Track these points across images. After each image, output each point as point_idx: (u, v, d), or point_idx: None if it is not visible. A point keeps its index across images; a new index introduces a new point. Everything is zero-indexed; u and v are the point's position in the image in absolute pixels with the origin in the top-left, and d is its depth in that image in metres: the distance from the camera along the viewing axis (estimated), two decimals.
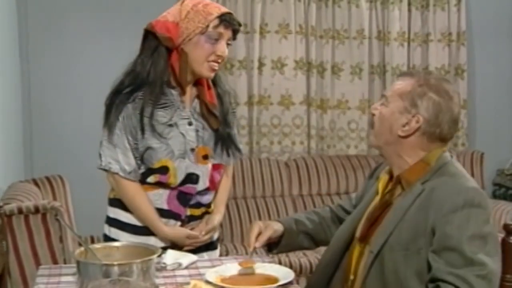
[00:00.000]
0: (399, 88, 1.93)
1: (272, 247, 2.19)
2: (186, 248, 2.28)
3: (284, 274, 1.93)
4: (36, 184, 3.80)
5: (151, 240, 2.25)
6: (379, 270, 1.85)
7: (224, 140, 2.33)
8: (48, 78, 4.48)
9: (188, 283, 1.82)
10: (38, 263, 2.94)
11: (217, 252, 2.44)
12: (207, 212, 2.35)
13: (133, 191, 2.25)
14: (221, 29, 2.19)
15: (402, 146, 1.92)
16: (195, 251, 2.29)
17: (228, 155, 2.34)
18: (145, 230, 2.27)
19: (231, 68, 4.65)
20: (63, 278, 2.00)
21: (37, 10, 4.45)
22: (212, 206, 2.37)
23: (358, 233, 1.99)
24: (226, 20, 2.19)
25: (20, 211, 3.04)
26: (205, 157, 2.29)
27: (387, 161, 2.01)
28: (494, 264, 1.74)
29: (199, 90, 2.29)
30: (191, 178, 2.26)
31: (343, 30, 4.83)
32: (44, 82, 4.48)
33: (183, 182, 2.26)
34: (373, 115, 1.98)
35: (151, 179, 2.25)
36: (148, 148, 2.21)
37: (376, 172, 2.15)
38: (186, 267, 2.09)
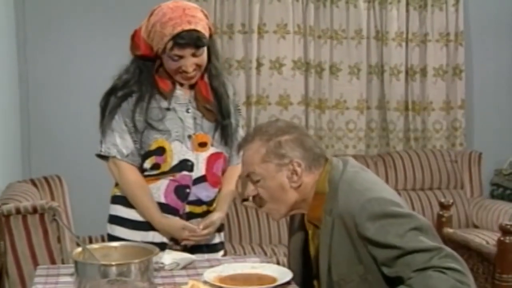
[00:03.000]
0: (252, 157, 1.89)
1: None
2: (184, 243, 2.28)
3: (282, 274, 1.93)
4: (34, 184, 3.80)
5: (150, 235, 2.27)
6: None
7: (223, 129, 2.34)
8: (46, 78, 4.48)
9: (186, 283, 1.82)
10: (36, 263, 2.94)
11: (219, 255, 2.42)
12: (208, 211, 2.35)
13: (130, 175, 2.28)
14: (176, 52, 2.17)
15: (302, 192, 1.89)
16: (196, 251, 2.29)
17: (226, 144, 2.36)
18: (144, 225, 2.29)
19: (229, 68, 4.64)
20: (61, 278, 2.00)
21: (34, 10, 4.45)
22: (215, 204, 2.37)
23: (314, 270, 1.97)
24: (179, 42, 2.15)
25: (18, 211, 3.04)
26: (202, 145, 2.30)
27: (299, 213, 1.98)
28: (420, 220, 1.74)
29: (195, 89, 2.32)
30: (186, 165, 2.28)
31: (341, 30, 4.83)
32: (42, 82, 4.47)
33: (179, 169, 2.27)
34: (254, 197, 1.92)
35: (148, 163, 2.27)
36: (147, 126, 2.24)
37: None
38: (184, 267, 2.09)
